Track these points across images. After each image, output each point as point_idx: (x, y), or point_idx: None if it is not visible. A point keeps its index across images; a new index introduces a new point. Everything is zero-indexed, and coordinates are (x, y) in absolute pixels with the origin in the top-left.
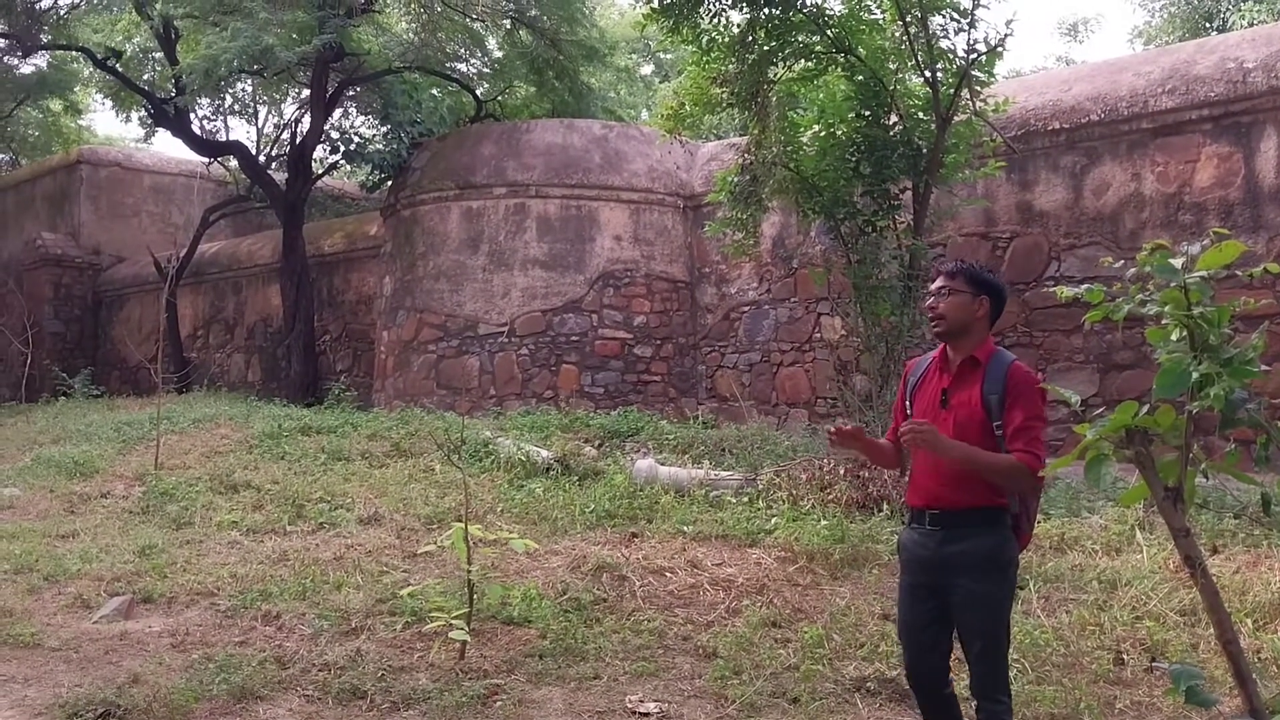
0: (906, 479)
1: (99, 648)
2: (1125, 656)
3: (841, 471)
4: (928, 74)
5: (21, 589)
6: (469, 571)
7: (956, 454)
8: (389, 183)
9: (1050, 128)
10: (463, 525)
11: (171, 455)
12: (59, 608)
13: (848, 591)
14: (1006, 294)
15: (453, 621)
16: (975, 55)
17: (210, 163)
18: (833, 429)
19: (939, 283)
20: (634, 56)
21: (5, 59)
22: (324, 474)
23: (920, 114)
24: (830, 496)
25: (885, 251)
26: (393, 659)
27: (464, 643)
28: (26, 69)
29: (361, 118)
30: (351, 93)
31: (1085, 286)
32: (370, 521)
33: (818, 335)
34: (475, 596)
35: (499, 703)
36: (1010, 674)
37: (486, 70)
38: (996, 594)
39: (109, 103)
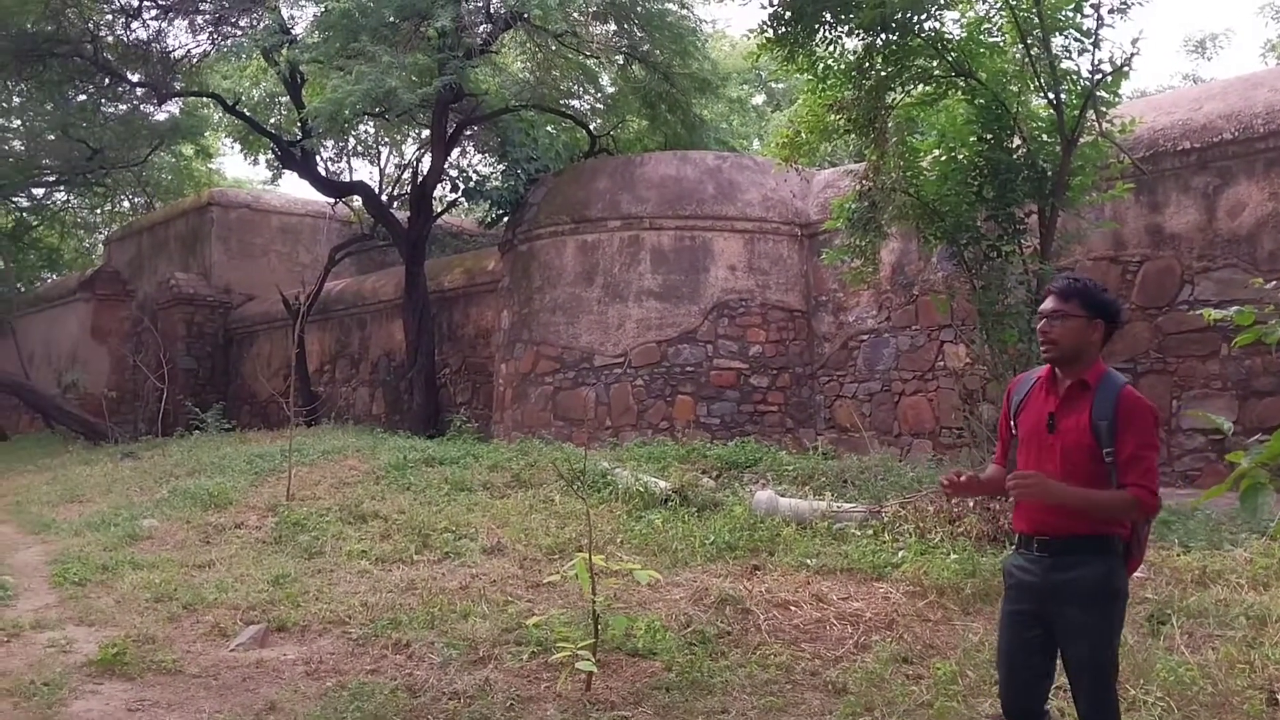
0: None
1: (237, 675)
2: (1279, 696)
3: (970, 504)
4: (1051, 96)
5: (162, 617)
6: (594, 602)
7: (1067, 500)
8: (506, 219)
9: (1180, 148)
10: (586, 556)
11: (302, 486)
12: (197, 635)
13: (980, 627)
14: (1123, 315)
15: (579, 652)
16: (1100, 76)
17: (335, 203)
18: (945, 481)
19: (1050, 304)
20: (745, 87)
21: (141, 107)
22: (448, 504)
23: (1044, 136)
24: (959, 529)
25: (1011, 277)
26: (520, 689)
27: (590, 674)
28: (161, 116)
29: (479, 156)
30: (470, 132)
31: (1235, 309)
32: (494, 551)
33: (941, 363)
34: (600, 628)
35: None
36: (1137, 714)
37: (600, 106)
38: (1105, 624)
39: (238, 146)
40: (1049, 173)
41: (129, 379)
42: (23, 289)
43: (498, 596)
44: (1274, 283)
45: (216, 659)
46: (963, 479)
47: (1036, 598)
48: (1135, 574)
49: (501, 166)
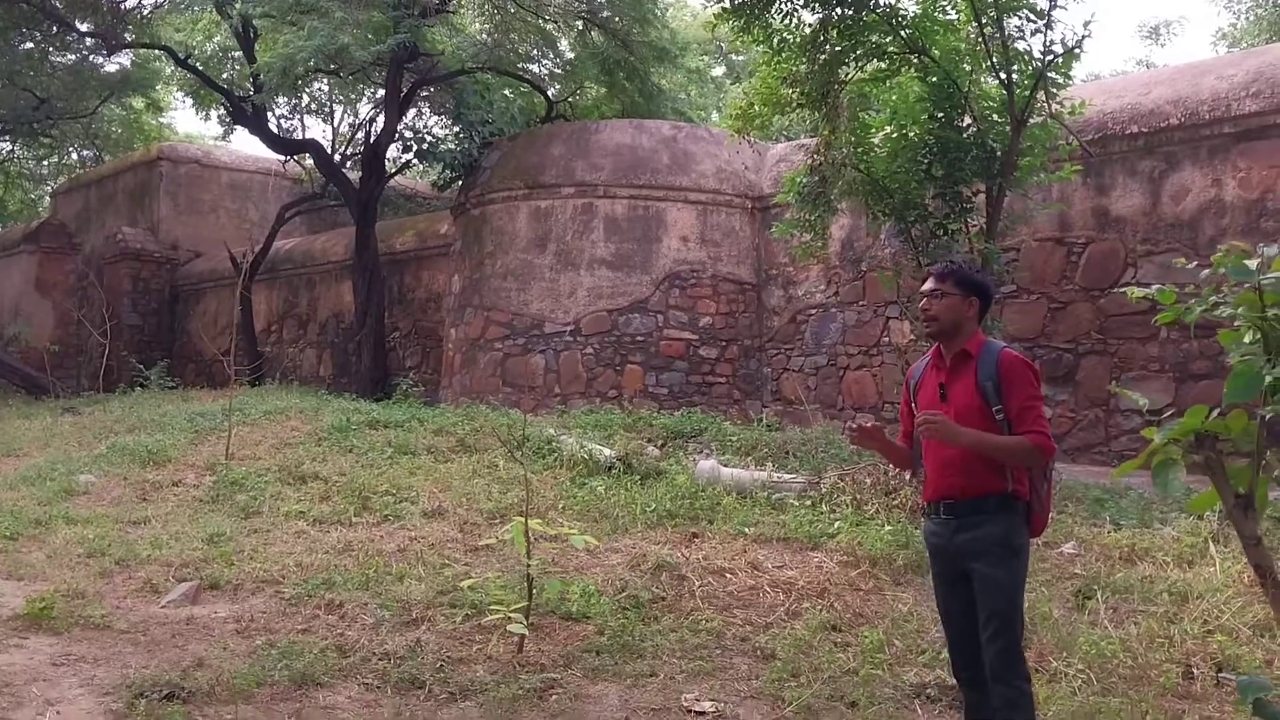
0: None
1: (166, 631)
2: (1195, 670)
3: (907, 476)
4: (1003, 76)
5: (94, 572)
6: (528, 566)
7: (968, 440)
8: (460, 182)
9: (1128, 131)
10: (523, 520)
11: (242, 446)
12: (129, 592)
13: (910, 597)
14: (994, 293)
15: (511, 615)
16: (1052, 57)
17: (286, 160)
18: (854, 425)
19: (930, 284)
20: (705, 58)
21: (91, 58)
22: (390, 467)
23: (995, 116)
24: (895, 501)
25: (957, 255)
26: (452, 650)
27: (522, 636)
28: (111, 67)
29: (435, 117)
30: (425, 93)
31: (1156, 287)
32: (434, 515)
33: (886, 339)
34: (534, 591)
35: (555, 697)
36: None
37: (558, 71)
38: (1010, 578)
39: (189, 101)
40: (998, 152)
41: (73, 333)
42: None
43: (435, 559)
44: (1195, 263)
45: (146, 615)
46: (870, 425)
47: (950, 559)
48: (1066, 549)
49: (456, 129)
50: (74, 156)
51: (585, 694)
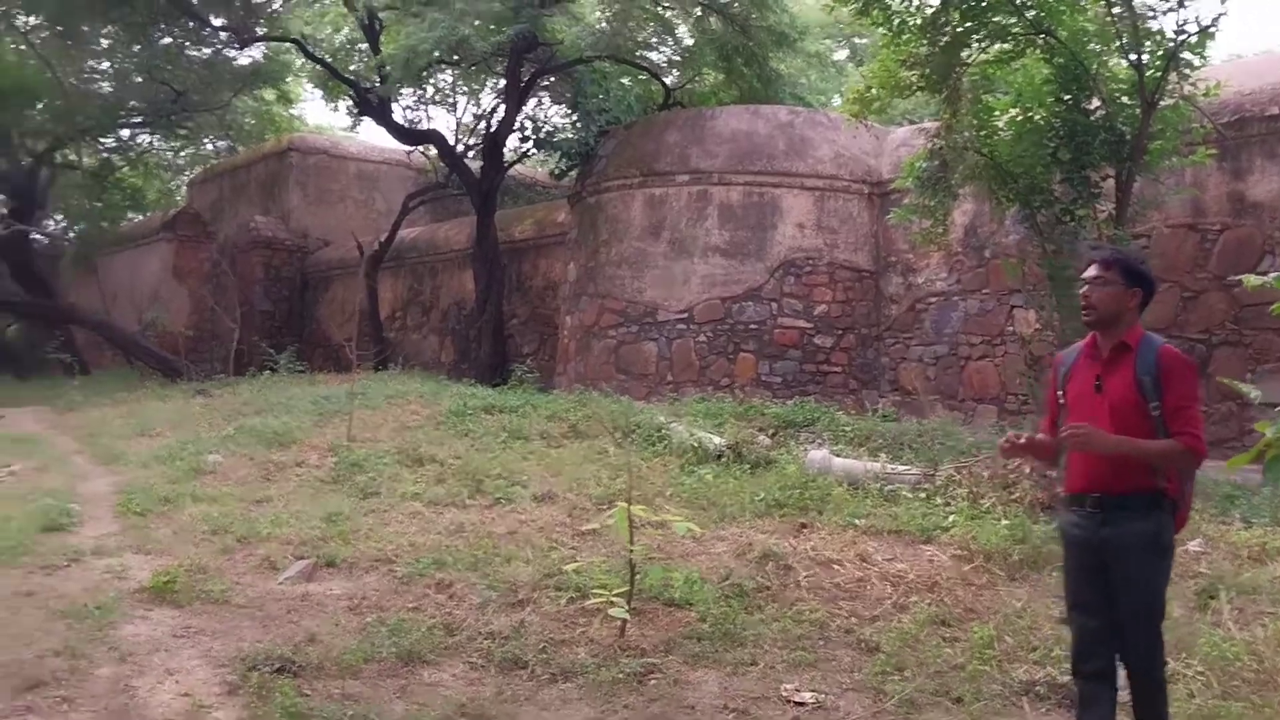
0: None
1: (281, 607)
2: None
3: (1027, 470)
4: (1133, 56)
5: (216, 549)
6: (631, 551)
7: (1120, 449)
8: (577, 171)
9: (1268, 113)
10: (626, 506)
11: (364, 429)
12: (249, 568)
13: (1024, 593)
14: (1156, 286)
15: (613, 599)
16: (1185, 36)
17: (411, 151)
18: (1005, 441)
19: (1093, 271)
20: (828, 42)
21: (224, 51)
22: (503, 452)
23: (1124, 98)
24: (1013, 495)
25: (1083, 242)
26: (555, 632)
27: (624, 620)
28: (243, 60)
29: (555, 107)
30: (545, 82)
31: (1274, 275)
32: (544, 499)
33: (1010, 329)
34: (637, 576)
35: (654, 681)
36: (1175, 687)
37: (676, 58)
38: (1157, 576)
39: (319, 92)
40: (1128, 136)
41: (207, 319)
42: (107, 227)
43: (543, 543)
44: None
45: (264, 591)
46: (1023, 440)
47: (1093, 552)
48: (1192, 547)
49: (573, 118)
50: (209, 147)
51: (684, 680)
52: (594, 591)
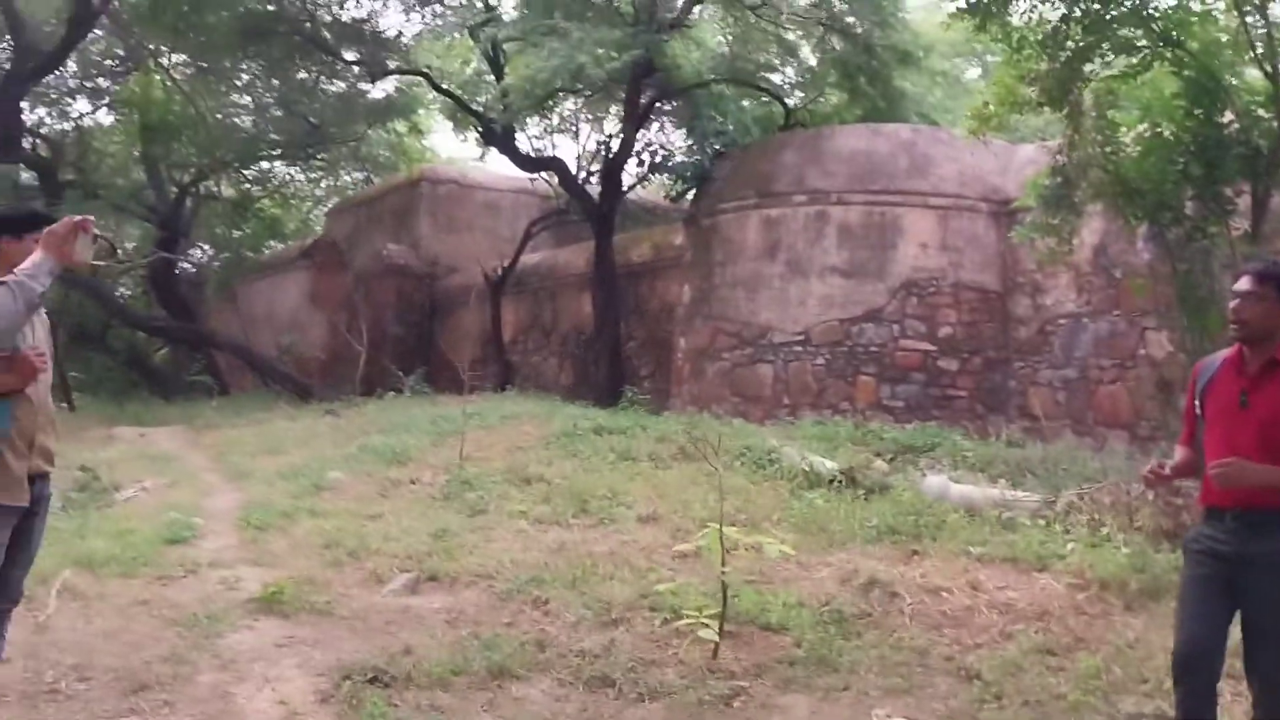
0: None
1: (382, 619)
2: None
3: (1150, 496)
4: (1268, 67)
5: (326, 561)
6: (723, 574)
7: (1271, 481)
8: (693, 193)
9: None
10: (718, 527)
11: (477, 448)
12: (355, 581)
13: (1140, 624)
14: None
15: (704, 621)
16: None
17: (534, 179)
18: (1150, 472)
19: (1246, 285)
20: (958, 60)
21: (358, 85)
22: (610, 472)
23: (1260, 111)
24: (1136, 523)
25: (1217, 261)
26: (645, 652)
27: (715, 643)
28: (376, 94)
29: (676, 132)
30: (666, 107)
31: None
32: (648, 520)
33: (1142, 351)
34: (731, 599)
35: (741, 704)
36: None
37: (799, 79)
38: None
39: (450, 124)
40: (1264, 149)
41: (342, 343)
42: (247, 256)
43: (641, 563)
44: None
45: (367, 603)
46: (1166, 470)
47: (1228, 567)
48: None
49: (689, 140)
50: (345, 178)
51: (773, 703)
52: (687, 613)
